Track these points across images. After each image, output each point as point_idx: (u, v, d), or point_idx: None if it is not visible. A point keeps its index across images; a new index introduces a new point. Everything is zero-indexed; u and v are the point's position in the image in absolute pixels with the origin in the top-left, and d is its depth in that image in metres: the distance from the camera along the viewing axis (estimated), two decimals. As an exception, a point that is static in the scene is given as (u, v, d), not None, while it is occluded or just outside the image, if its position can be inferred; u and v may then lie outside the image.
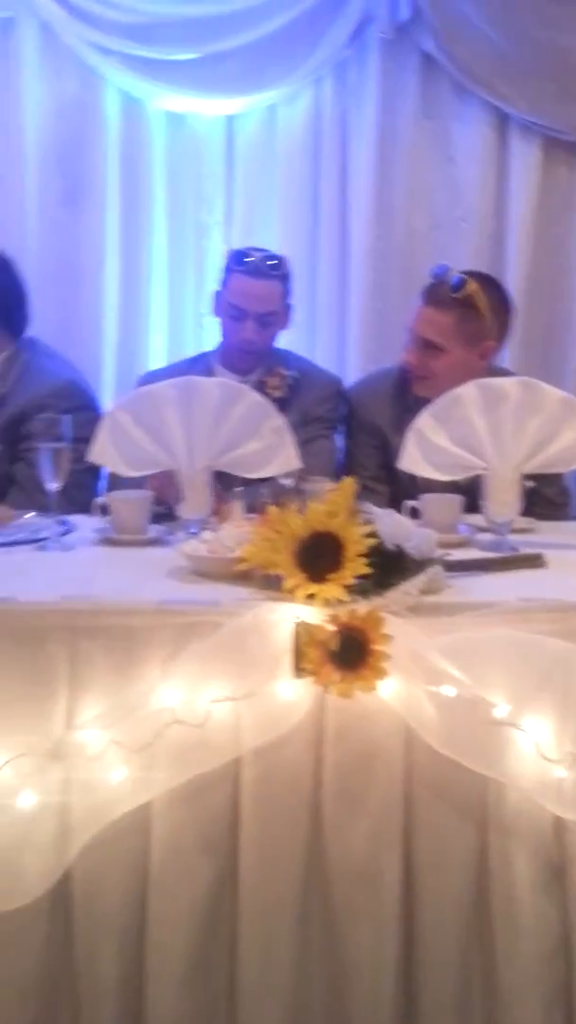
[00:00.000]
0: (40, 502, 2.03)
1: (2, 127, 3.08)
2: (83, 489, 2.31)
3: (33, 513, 2.06)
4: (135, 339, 3.20)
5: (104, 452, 2.01)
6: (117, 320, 3.18)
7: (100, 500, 2.09)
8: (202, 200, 3.19)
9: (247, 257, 2.56)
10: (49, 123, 3.10)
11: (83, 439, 2.02)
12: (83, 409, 2.41)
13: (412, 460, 2.02)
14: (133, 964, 1.51)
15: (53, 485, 1.92)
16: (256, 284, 2.54)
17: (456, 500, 2.02)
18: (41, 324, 2.72)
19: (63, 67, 3.09)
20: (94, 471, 2.34)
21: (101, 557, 1.87)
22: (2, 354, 2.53)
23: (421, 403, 2.11)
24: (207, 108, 3.15)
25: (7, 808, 1.42)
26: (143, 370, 2.98)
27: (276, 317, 2.59)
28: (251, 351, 2.58)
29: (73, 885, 1.48)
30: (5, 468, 2.42)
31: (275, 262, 2.57)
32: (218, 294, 2.64)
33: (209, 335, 3.01)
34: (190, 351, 3.02)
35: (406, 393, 2.51)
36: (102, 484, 2.45)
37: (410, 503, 2.02)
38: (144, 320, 3.21)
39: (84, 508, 2.16)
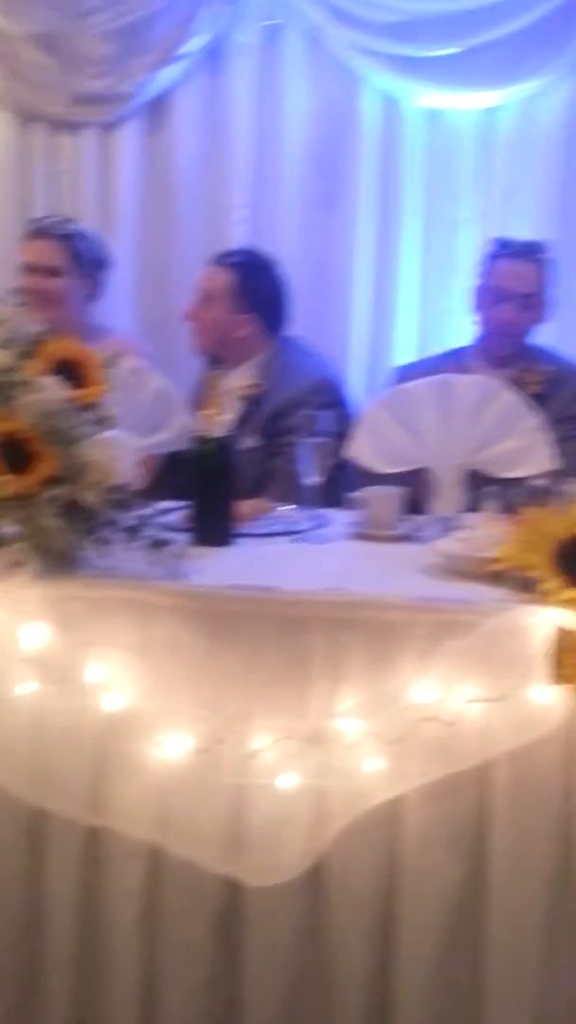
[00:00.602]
0: (297, 496, 2.11)
1: (265, 132, 3.19)
2: (334, 483, 2.37)
3: (291, 506, 2.13)
4: (385, 336, 3.22)
5: (362, 449, 2.07)
6: (368, 317, 3.22)
7: (355, 494, 2.14)
8: (456, 196, 3.17)
9: (509, 243, 2.61)
10: (310, 126, 3.18)
11: (335, 435, 2.08)
12: (336, 405, 2.47)
13: None
14: (382, 954, 1.54)
15: (311, 479, 1.99)
16: (518, 265, 2.57)
17: None
18: (296, 322, 2.81)
19: (325, 71, 3.15)
20: (344, 466, 2.39)
21: (355, 551, 1.92)
22: (264, 352, 2.64)
23: None
24: (465, 103, 3.13)
25: (268, 787, 1.50)
26: (392, 367, 3.01)
27: (536, 301, 2.59)
28: (511, 335, 2.58)
29: (328, 868, 1.53)
30: (265, 462, 2.52)
31: (538, 248, 2.59)
32: (478, 287, 2.65)
33: (457, 331, 3.01)
34: (439, 348, 3.03)
35: None
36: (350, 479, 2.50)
37: None
38: (394, 317, 3.24)
39: (335, 502, 2.22)
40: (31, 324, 1.78)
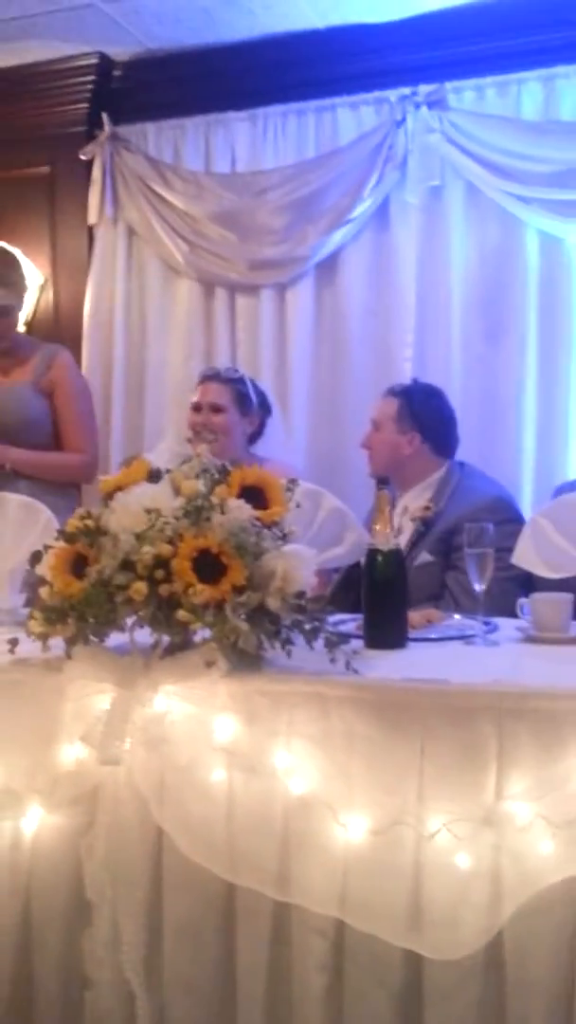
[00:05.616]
0: (468, 606, 2.21)
1: (431, 278, 3.45)
2: (508, 595, 2.45)
3: (459, 616, 2.24)
4: (553, 458, 3.34)
5: (526, 555, 2.17)
6: (535, 442, 3.36)
7: (521, 600, 2.22)
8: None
9: None
10: (473, 269, 3.42)
11: (509, 549, 2.19)
12: (510, 522, 2.57)
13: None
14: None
15: (479, 587, 2.10)
16: None
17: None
18: (466, 448, 2.97)
19: (486, 219, 3.40)
20: (519, 579, 2.47)
21: (524, 652, 1.99)
22: (435, 474, 2.80)
23: None
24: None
25: (447, 866, 1.56)
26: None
27: None
28: None
29: (505, 947, 1.57)
30: (439, 576, 2.64)
31: None
32: None
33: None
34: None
35: None
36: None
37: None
38: (563, 441, 3.35)
39: (510, 613, 2.30)
40: (202, 456, 2.00)
